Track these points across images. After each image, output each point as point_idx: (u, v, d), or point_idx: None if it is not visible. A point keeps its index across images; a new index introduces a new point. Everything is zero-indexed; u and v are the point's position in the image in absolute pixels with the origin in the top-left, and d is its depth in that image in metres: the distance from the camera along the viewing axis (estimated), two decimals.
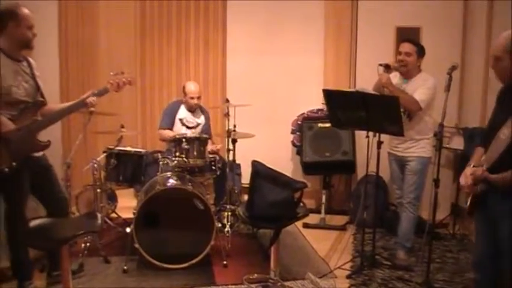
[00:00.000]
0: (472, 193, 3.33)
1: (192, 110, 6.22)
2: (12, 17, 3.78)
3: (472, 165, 3.38)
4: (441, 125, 4.13)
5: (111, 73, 4.36)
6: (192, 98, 6.13)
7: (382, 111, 4.37)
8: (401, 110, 4.44)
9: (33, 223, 3.34)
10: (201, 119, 6.27)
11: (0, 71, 3.72)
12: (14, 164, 3.76)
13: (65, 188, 4.61)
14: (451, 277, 4.67)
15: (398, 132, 4.42)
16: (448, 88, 4.15)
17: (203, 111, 6.37)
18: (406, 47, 4.87)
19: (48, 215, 4.03)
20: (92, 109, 4.50)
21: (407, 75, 4.90)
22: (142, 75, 7.53)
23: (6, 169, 3.74)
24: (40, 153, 4.07)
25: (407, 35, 5.76)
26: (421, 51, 4.88)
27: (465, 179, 3.35)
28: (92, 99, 4.19)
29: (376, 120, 4.40)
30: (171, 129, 6.11)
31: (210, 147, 5.68)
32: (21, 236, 3.80)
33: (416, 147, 4.85)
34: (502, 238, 3.21)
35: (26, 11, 3.82)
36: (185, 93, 6.18)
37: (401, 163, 5.00)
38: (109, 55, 7.24)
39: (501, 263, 3.26)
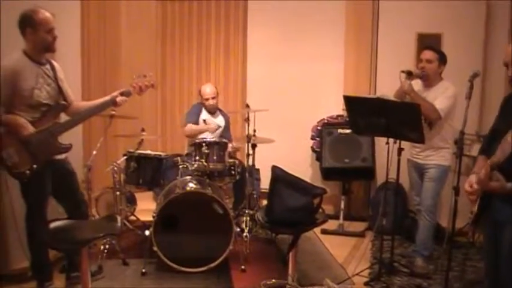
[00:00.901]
0: (479, 199, 3.33)
1: (211, 112, 6.25)
2: (29, 23, 3.81)
3: (475, 174, 3.36)
4: (462, 133, 4.09)
5: (134, 76, 4.39)
6: (207, 99, 6.16)
7: (403, 118, 4.35)
8: (422, 118, 4.41)
9: (54, 225, 3.38)
10: (220, 120, 6.30)
11: (23, 74, 3.78)
12: (34, 166, 3.81)
13: (85, 190, 4.66)
14: (470, 286, 4.63)
15: (419, 139, 4.40)
16: (469, 96, 4.10)
17: (223, 114, 6.39)
18: (428, 54, 4.86)
19: (68, 218, 4.06)
20: (113, 112, 4.54)
21: (428, 83, 4.88)
22: (163, 79, 7.59)
23: (27, 171, 3.80)
24: (62, 156, 4.12)
25: (428, 42, 5.74)
26: (442, 59, 4.86)
27: (469, 184, 3.35)
28: (121, 98, 4.23)
29: (397, 127, 4.38)
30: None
31: (230, 149, 5.71)
32: (41, 237, 3.84)
33: (436, 155, 4.83)
34: (503, 243, 3.20)
35: (43, 15, 3.83)
36: (201, 96, 6.23)
37: (420, 170, 4.98)
38: (130, 58, 7.30)
39: (500, 268, 3.24)
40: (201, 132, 5.90)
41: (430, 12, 6.45)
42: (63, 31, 4.26)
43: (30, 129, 3.80)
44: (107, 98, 4.25)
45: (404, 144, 4.60)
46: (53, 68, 4.04)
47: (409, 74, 4.81)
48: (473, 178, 3.36)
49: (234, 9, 7.42)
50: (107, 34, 7.00)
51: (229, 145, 5.66)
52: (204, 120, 6.12)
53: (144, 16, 7.45)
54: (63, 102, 4.07)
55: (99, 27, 6.81)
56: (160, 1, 7.50)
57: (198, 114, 6.22)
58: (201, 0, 7.47)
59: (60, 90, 4.05)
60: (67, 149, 4.07)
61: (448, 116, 4.76)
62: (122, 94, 4.25)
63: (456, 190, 4.05)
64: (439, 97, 4.73)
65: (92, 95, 6.36)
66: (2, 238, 4.39)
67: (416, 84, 4.93)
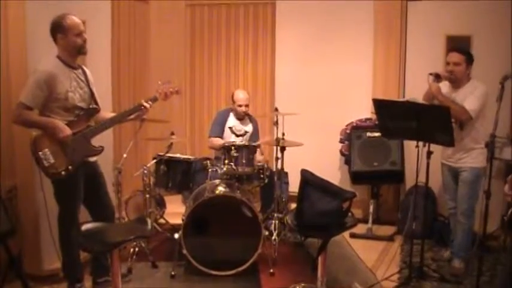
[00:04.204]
0: None
1: (240, 118, 6.26)
2: (59, 29, 3.94)
3: None
4: (493, 136, 4.04)
5: (159, 82, 4.50)
6: (240, 105, 6.17)
7: (433, 122, 4.32)
8: (453, 120, 4.37)
9: (85, 227, 3.42)
10: (249, 127, 6.30)
11: (59, 77, 3.89)
12: (70, 167, 3.90)
13: (116, 193, 4.72)
14: None
15: (449, 142, 4.37)
16: (500, 98, 4.06)
17: (251, 120, 6.40)
18: (455, 56, 4.80)
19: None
20: (144, 116, 4.60)
21: (457, 84, 4.84)
22: (192, 83, 7.66)
23: (63, 172, 3.89)
24: (94, 159, 4.21)
25: (458, 44, 5.67)
26: (469, 59, 4.80)
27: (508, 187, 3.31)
28: (147, 104, 4.33)
29: (427, 130, 4.35)
30: (220, 137, 6.15)
31: (259, 157, 5.72)
32: (73, 238, 3.91)
33: (469, 157, 4.79)
34: None
35: (71, 20, 3.95)
36: (234, 101, 6.23)
37: (454, 174, 4.95)
38: (159, 62, 7.38)
39: None
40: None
41: (459, 14, 6.37)
42: (94, 37, 4.35)
43: (68, 131, 3.90)
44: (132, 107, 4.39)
45: (434, 147, 4.57)
46: (84, 73, 4.16)
47: (437, 77, 4.77)
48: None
49: (262, 13, 7.45)
50: (136, 39, 7.09)
51: (258, 153, 5.69)
52: (230, 128, 6.15)
53: (173, 21, 7.51)
54: (95, 106, 4.15)
55: (129, 32, 6.90)
56: (190, 6, 7.57)
57: (224, 123, 6.25)
58: (229, 4, 7.52)
59: (92, 94, 4.15)
60: (99, 151, 4.16)
61: (479, 116, 4.71)
62: (147, 101, 4.38)
63: (487, 194, 4.01)
64: (468, 97, 4.68)
65: (122, 100, 6.46)
66: (36, 239, 4.47)
67: (445, 85, 4.90)
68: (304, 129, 6.52)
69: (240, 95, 6.21)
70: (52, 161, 3.87)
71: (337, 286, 4.58)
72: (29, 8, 4.32)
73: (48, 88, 3.83)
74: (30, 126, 3.93)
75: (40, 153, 3.85)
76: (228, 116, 6.28)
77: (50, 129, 3.86)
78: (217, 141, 6.05)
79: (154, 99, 4.41)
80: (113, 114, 4.39)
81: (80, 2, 4.72)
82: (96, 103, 4.19)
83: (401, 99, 6.28)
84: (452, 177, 5.00)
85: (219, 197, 4.87)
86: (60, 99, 3.90)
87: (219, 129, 6.21)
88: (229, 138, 6.06)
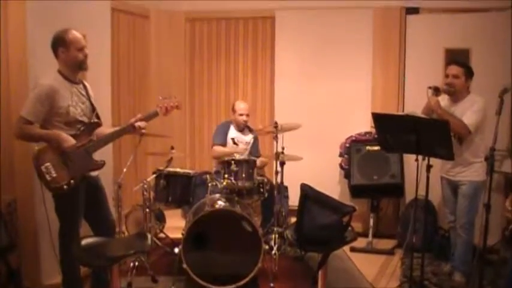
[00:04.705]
0: None
1: (241, 129, 6.30)
2: (61, 43, 3.97)
3: None
4: (492, 149, 4.04)
5: (160, 97, 4.51)
6: (241, 114, 6.23)
7: (433, 135, 4.31)
8: (452, 134, 4.37)
9: (85, 241, 3.42)
10: (249, 138, 6.31)
11: (60, 92, 3.90)
12: (72, 181, 3.90)
13: (116, 207, 4.72)
14: None
15: (448, 156, 4.35)
16: (499, 111, 4.06)
17: (251, 131, 6.42)
18: (454, 69, 4.82)
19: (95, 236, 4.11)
20: (143, 131, 4.61)
21: (455, 98, 4.84)
22: (192, 97, 7.68)
23: (65, 186, 3.89)
24: (95, 173, 4.21)
25: (457, 57, 5.68)
26: (469, 73, 4.82)
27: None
28: (140, 123, 4.33)
29: (426, 144, 4.34)
30: (224, 145, 6.22)
31: (259, 163, 5.74)
32: (73, 253, 3.89)
33: (469, 170, 4.79)
34: None
35: (73, 35, 3.98)
36: (234, 111, 6.30)
37: (454, 187, 4.95)
38: (159, 78, 7.41)
39: None
40: (229, 154, 5.94)
41: (458, 27, 6.41)
42: (94, 51, 4.36)
43: (73, 141, 3.91)
44: (125, 125, 4.39)
45: (434, 160, 4.55)
46: (85, 87, 4.18)
47: (436, 90, 4.78)
48: None
49: (261, 29, 7.49)
50: (136, 54, 7.13)
51: (258, 160, 5.69)
52: (233, 139, 6.16)
53: (173, 35, 7.54)
54: (96, 120, 4.17)
55: (128, 46, 6.95)
56: (189, 20, 7.60)
57: (226, 134, 6.29)
58: (229, 18, 7.56)
59: (93, 108, 4.17)
60: (101, 165, 4.16)
61: (478, 131, 4.72)
62: (146, 117, 4.40)
63: (487, 207, 4.01)
64: (467, 112, 4.69)
65: (122, 114, 6.47)
66: (35, 253, 4.45)
67: (443, 99, 4.90)
68: (303, 143, 6.51)
69: (241, 105, 6.31)
70: (54, 174, 3.87)
71: None
72: (29, 22, 4.34)
73: (50, 102, 3.84)
74: (33, 140, 3.93)
75: (42, 167, 3.86)
76: (228, 128, 6.33)
77: (54, 141, 3.87)
78: (223, 149, 6.14)
79: (155, 114, 4.43)
80: (112, 129, 4.39)
81: (79, 16, 4.76)
82: (98, 117, 4.20)
83: (400, 113, 6.30)
84: (451, 191, 5.00)
85: (218, 211, 4.87)
86: (62, 113, 3.91)
87: (222, 138, 6.28)
88: (234, 148, 6.07)
